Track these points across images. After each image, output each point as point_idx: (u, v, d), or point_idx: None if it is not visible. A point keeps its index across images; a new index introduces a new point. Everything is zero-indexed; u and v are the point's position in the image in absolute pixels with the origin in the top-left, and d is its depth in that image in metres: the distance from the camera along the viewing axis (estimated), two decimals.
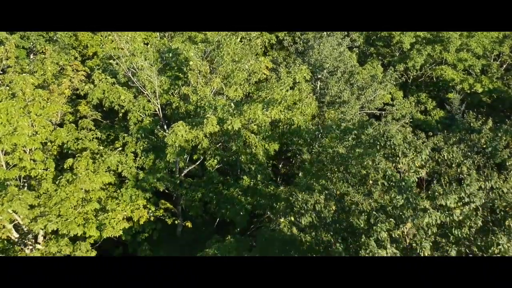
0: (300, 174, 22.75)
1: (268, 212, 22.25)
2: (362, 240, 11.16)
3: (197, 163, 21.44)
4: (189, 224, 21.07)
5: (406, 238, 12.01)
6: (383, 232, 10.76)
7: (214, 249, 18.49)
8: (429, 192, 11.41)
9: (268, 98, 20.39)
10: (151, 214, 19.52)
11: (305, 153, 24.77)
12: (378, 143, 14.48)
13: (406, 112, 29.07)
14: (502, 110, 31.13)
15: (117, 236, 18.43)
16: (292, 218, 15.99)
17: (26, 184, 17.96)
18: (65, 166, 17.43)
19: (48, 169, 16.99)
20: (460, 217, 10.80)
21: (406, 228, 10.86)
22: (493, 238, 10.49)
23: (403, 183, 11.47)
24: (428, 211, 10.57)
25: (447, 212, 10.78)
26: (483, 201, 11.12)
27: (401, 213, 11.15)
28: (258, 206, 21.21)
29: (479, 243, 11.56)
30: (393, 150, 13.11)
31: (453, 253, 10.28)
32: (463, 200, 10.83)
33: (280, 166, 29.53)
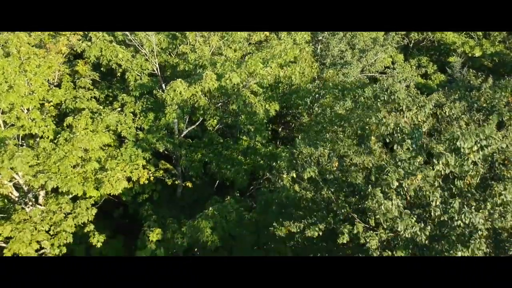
0: (299, 136, 22.74)
1: (267, 174, 22.31)
2: (369, 190, 11.13)
3: (197, 123, 21.34)
4: (189, 184, 21.12)
5: (407, 194, 12.00)
6: (394, 181, 10.73)
7: (213, 209, 18.59)
8: (447, 135, 11.28)
9: (268, 56, 20.15)
10: (151, 175, 19.53)
11: (304, 116, 24.68)
12: (380, 100, 14.35)
13: (407, 76, 28.84)
14: (503, 74, 30.84)
15: (117, 194, 18.46)
16: (294, 175, 16.00)
17: (24, 144, 17.90)
18: (64, 124, 17.32)
19: (48, 126, 16.90)
20: (473, 162, 10.69)
21: (417, 180, 10.80)
22: (495, 189, 10.48)
23: (416, 133, 11.40)
24: (445, 154, 10.47)
25: (460, 159, 10.71)
26: (500, 146, 10.99)
27: (408, 165, 11.09)
28: (257, 167, 21.24)
29: (477, 197, 11.60)
30: (396, 105, 13.03)
31: (456, 205, 10.28)
32: (478, 144, 10.70)
33: (280, 130, 29.51)
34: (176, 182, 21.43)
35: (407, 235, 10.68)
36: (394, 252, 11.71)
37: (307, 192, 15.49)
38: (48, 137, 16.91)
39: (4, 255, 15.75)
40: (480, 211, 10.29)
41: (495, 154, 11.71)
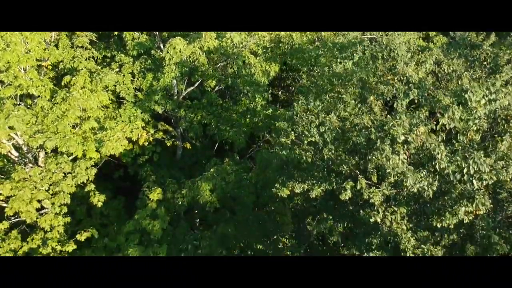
0: (299, 100, 22.62)
1: (267, 135, 22.27)
2: (377, 144, 11.07)
3: (195, 85, 21.13)
4: (188, 146, 21.05)
5: (407, 152, 11.95)
6: (401, 135, 10.67)
7: (213, 171, 18.58)
8: (455, 88, 11.20)
9: None
10: (150, 136, 19.46)
11: (304, 78, 24.42)
12: (378, 58, 14.17)
13: (408, 38, 28.41)
14: (506, 36, 30.39)
15: (117, 156, 18.42)
16: (293, 137, 15.90)
17: (22, 104, 17.68)
18: (62, 83, 17.08)
19: (46, 86, 16.65)
20: (478, 117, 10.64)
21: (419, 132, 10.73)
22: (497, 141, 10.45)
23: (423, 83, 11.32)
24: (452, 107, 10.39)
25: (466, 113, 10.66)
26: (507, 101, 10.89)
27: (412, 118, 11.03)
28: (257, 128, 21.17)
29: (479, 153, 11.57)
30: (395, 62, 12.87)
31: (458, 158, 10.26)
32: (486, 97, 10.60)
33: (279, 93, 29.35)
34: (176, 143, 21.37)
35: (414, 190, 10.69)
36: (396, 208, 11.76)
37: (308, 154, 15.44)
38: (46, 97, 16.68)
39: (5, 215, 15.81)
40: (487, 159, 10.28)
41: (497, 110, 11.62)
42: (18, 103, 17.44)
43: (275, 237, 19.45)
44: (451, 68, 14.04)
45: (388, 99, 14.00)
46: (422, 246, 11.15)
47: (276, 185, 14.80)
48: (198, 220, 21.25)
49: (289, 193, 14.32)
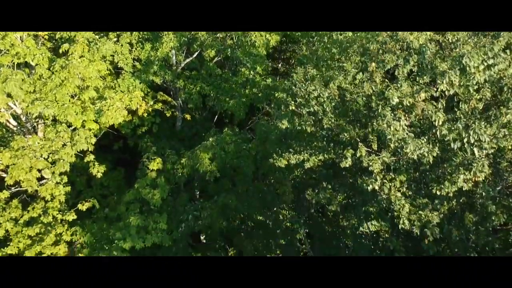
0: (299, 68, 22.44)
1: (266, 107, 22.17)
2: (379, 110, 10.99)
3: (194, 55, 20.92)
4: (188, 117, 20.95)
5: (407, 119, 11.88)
6: (395, 97, 10.60)
7: (212, 140, 18.53)
8: (454, 53, 11.07)
9: None
10: (149, 106, 19.33)
11: (303, 50, 24.16)
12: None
13: None
14: None
15: (116, 127, 18.35)
16: (293, 107, 15.80)
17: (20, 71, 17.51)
18: (60, 51, 16.86)
19: (43, 54, 16.44)
20: (478, 83, 10.52)
21: (420, 98, 10.64)
22: (501, 111, 10.38)
23: (423, 48, 11.20)
24: (449, 72, 10.28)
25: (465, 78, 10.54)
26: (507, 64, 10.75)
27: (412, 84, 10.95)
28: (256, 100, 21.06)
29: (480, 123, 11.52)
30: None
31: (460, 125, 10.20)
32: (485, 63, 10.48)
33: (279, 66, 29.17)
34: (175, 114, 21.28)
35: (414, 157, 10.66)
36: (395, 176, 11.75)
37: (307, 123, 15.37)
38: (44, 65, 16.49)
39: (6, 184, 15.81)
40: (488, 128, 10.22)
41: (503, 79, 11.46)
42: (16, 72, 17.26)
43: (275, 208, 19.54)
44: (456, 38, 13.84)
45: (389, 67, 13.84)
46: (420, 212, 11.16)
47: (274, 155, 14.79)
48: (198, 191, 21.31)
49: (286, 163, 14.31)
